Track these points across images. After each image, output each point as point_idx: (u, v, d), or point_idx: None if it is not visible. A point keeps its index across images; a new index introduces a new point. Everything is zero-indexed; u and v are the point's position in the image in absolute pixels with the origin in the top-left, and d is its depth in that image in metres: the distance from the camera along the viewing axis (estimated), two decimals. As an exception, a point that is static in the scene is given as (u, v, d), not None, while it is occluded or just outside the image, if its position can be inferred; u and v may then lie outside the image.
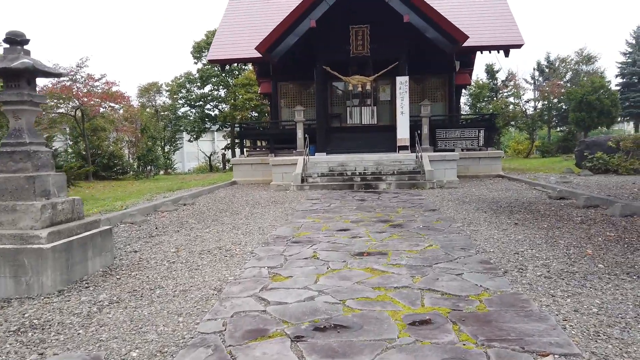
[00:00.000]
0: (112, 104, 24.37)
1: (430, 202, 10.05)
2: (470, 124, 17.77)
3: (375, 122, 17.91)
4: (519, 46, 16.34)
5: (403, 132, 15.43)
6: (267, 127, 19.13)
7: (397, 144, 15.61)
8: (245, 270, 4.88)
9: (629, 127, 45.61)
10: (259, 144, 20.75)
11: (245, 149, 17.97)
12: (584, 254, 5.20)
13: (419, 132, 15.28)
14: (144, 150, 27.26)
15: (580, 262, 4.89)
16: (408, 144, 15.48)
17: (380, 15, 15.01)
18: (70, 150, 26.87)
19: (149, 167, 28.20)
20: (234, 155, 17.56)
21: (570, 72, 36.81)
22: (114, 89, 23.26)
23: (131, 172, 25.26)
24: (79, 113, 23.12)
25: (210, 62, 17.56)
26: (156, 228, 7.85)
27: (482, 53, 17.39)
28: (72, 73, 22.79)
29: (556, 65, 36.99)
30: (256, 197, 12.00)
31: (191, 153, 45.60)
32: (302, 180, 13.54)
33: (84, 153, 23.25)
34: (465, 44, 15.33)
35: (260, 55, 15.52)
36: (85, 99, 22.52)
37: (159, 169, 30.79)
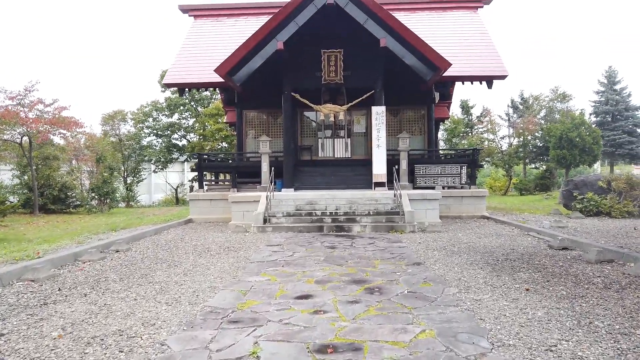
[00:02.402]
0: (63, 131, 22.22)
1: (413, 251, 8.43)
2: (451, 160, 16.46)
3: (349, 156, 16.44)
4: (502, 77, 15.24)
5: (379, 168, 13.93)
6: (231, 158, 17.39)
7: (373, 180, 14.08)
8: (137, 386, 3.10)
9: (595, 166, 45.30)
10: (222, 177, 18.98)
11: (205, 183, 16.15)
12: (643, 350, 3.62)
13: (396, 167, 13.82)
14: (99, 182, 25.05)
15: (647, 368, 3.29)
16: (385, 180, 13.97)
17: (355, 39, 13.72)
18: (17, 181, 24.46)
19: (107, 199, 25.93)
20: (201, 187, 15.68)
21: (545, 110, 36.59)
22: (65, 114, 21.21)
23: (86, 206, 23.00)
24: (26, 140, 21.01)
25: (167, 85, 15.93)
26: (59, 290, 5.95)
27: (463, 84, 16.26)
28: (20, 97, 20.79)
29: (530, 102, 36.74)
30: (208, 241, 10.16)
31: (159, 185, 43.37)
32: (265, 221, 11.79)
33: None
34: (446, 74, 14.12)
35: (223, 80, 13.95)
36: (33, 125, 20.46)
37: (117, 202, 28.52)
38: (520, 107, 37.13)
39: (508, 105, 38.03)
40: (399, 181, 13.15)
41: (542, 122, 34.86)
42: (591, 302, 5.01)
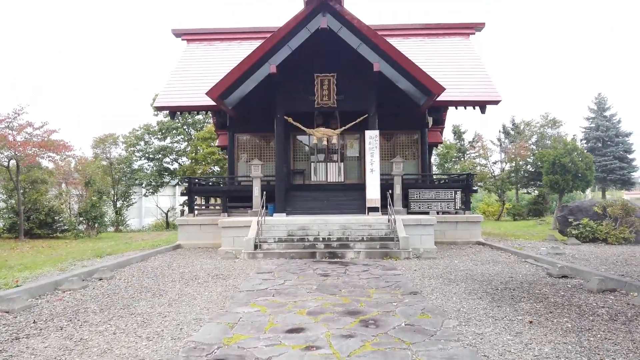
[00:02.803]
0: (52, 154, 21.86)
1: (409, 279, 8.14)
2: (445, 185, 16.29)
3: (342, 180, 16.23)
4: (496, 102, 15.23)
5: (373, 192, 13.71)
6: (222, 182, 17.10)
7: (367, 205, 13.84)
8: None
9: (587, 191, 45.21)
10: (212, 201, 18.66)
11: (195, 207, 15.81)
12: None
13: (390, 192, 13.59)
14: (87, 206, 24.56)
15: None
16: (379, 205, 13.73)
17: (348, 63, 13.68)
18: (3, 205, 23.91)
19: (95, 224, 25.41)
20: (191, 211, 15.35)
21: (536, 135, 36.80)
22: (54, 137, 20.91)
23: (73, 230, 22.47)
24: (13, 163, 20.62)
25: (158, 108, 15.73)
26: (34, 322, 5.58)
27: (457, 109, 16.20)
28: (8, 120, 20.49)
29: (521, 128, 36.96)
30: (196, 269, 9.80)
31: (150, 208, 42.77)
32: (255, 247, 11.45)
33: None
34: (439, 99, 14.12)
35: (215, 103, 13.79)
36: (21, 148, 20.12)
37: (105, 227, 27.96)
38: (512, 132, 37.34)
39: (499, 131, 38.27)
40: (393, 206, 12.91)
41: (534, 147, 35.02)
42: (599, 335, 4.74)
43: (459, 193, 14.93)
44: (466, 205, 15.15)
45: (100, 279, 8.57)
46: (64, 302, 6.69)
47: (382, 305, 6.15)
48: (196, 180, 16.60)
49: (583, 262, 9.86)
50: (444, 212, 14.77)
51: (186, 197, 16.98)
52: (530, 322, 5.26)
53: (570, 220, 14.88)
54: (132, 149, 34.44)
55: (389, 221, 12.26)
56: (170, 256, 12.20)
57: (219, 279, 8.41)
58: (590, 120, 40.06)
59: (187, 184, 15.49)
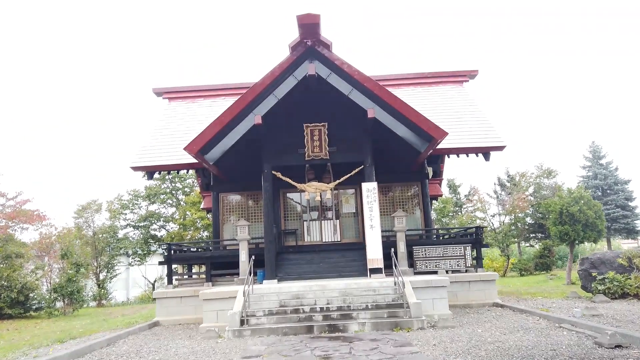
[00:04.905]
0: (26, 225, 20.35)
1: (431, 359, 6.54)
2: (453, 240, 14.86)
3: (339, 239, 14.75)
4: (500, 148, 14.20)
5: (375, 251, 12.23)
6: (205, 247, 15.57)
7: (368, 266, 12.32)
8: None
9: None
10: (196, 269, 17.00)
11: (177, 277, 14.15)
12: None
13: (394, 250, 12.10)
14: (63, 280, 22.63)
15: None
16: (382, 265, 12.23)
17: (340, 111, 12.66)
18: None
19: (72, 300, 23.35)
20: (170, 282, 13.72)
21: (533, 186, 35.99)
22: (27, 206, 19.50)
23: (47, 308, 20.49)
24: (-19, 237, 19.05)
25: (134, 169, 14.43)
26: None
27: (458, 157, 15.11)
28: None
29: (517, 179, 36.19)
30: (169, 355, 8.10)
31: (138, 279, 40.51)
32: (242, 322, 9.77)
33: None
34: (440, 146, 13.06)
35: (196, 161, 12.59)
36: (-9, 221, 18.66)
37: (86, 302, 25.81)
38: (508, 184, 36.50)
39: (495, 183, 37.47)
40: (398, 266, 11.39)
41: (532, 198, 34.08)
42: None
43: (468, 249, 13.52)
44: (478, 261, 13.71)
45: (46, 376, 6.88)
46: (-20, 417, 5.03)
47: (404, 404, 4.58)
48: (175, 247, 15.04)
49: (629, 324, 8.34)
50: (453, 271, 13.29)
51: (175, 266, 15.53)
52: None
53: (593, 274, 13.40)
54: (117, 216, 32.89)
55: (395, 284, 10.71)
56: (144, 337, 10.44)
57: (194, 369, 6.76)
58: (587, 168, 39.43)
59: (166, 252, 13.90)
